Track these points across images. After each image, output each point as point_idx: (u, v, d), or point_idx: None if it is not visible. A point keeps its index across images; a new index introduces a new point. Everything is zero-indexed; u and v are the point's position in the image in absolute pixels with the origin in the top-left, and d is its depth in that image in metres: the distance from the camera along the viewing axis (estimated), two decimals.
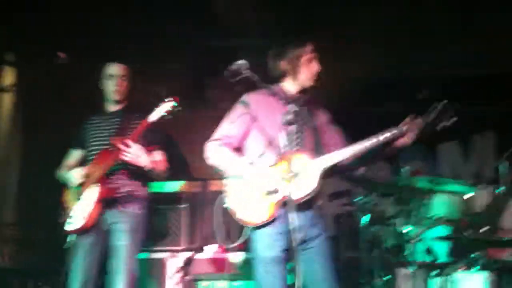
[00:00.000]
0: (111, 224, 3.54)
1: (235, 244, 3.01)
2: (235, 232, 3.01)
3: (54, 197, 3.73)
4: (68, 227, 3.55)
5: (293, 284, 2.73)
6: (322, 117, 3.24)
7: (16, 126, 5.59)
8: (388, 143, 3.06)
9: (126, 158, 3.47)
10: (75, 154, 3.84)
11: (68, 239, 3.54)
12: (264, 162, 3.01)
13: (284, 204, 2.86)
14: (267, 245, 2.93)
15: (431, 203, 4.21)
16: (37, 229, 4.82)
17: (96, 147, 3.67)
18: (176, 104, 3.49)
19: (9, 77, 5.52)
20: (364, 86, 5.19)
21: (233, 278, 4.32)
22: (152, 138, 3.68)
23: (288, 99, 3.00)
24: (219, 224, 3.01)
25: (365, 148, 3.00)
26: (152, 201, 4.67)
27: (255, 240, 2.96)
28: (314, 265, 2.97)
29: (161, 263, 4.55)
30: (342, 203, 5.17)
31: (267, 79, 3.06)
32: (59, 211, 3.64)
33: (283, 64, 3.14)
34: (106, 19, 5.01)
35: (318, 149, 3.09)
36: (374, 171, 4.45)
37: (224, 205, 2.99)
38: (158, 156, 3.72)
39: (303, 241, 2.95)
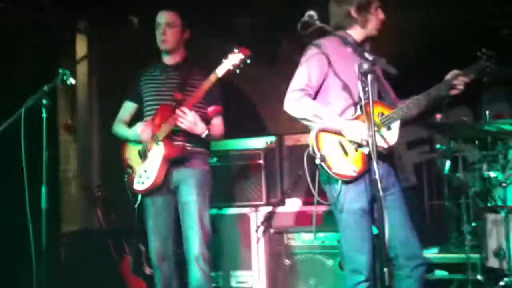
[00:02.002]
0: (178, 181, 3.51)
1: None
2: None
3: None
4: (138, 187, 3.51)
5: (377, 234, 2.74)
6: (379, 68, 3.04)
7: (92, 93, 5.76)
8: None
9: (182, 126, 3.38)
10: (130, 107, 3.74)
11: (139, 198, 3.52)
12: (347, 113, 2.97)
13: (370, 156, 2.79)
14: (354, 197, 2.92)
15: None
16: (120, 190, 4.98)
17: (155, 101, 3.57)
18: (244, 57, 3.26)
19: (82, 45, 5.65)
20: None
21: (317, 230, 4.35)
22: (211, 99, 3.58)
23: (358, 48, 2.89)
24: (307, 176, 2.96)
25: (425, 101, 2.98)
26: (231, 158, 4.82)
27: (343, 192, 2.93)
28: (392, 212, 2.91)
29: (245, 217, 4.65)
30: (423, 151, 5.11)
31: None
32: (125, 170, 3.61)
33: (353, 11, 3.01)
34: None
35: (386, 100, 3.05)
36: (455, 116, 4.31)
37: (316, 161, 2.90)
38: (216, 119, 3.65)
39: (383, 190, 2.96)
